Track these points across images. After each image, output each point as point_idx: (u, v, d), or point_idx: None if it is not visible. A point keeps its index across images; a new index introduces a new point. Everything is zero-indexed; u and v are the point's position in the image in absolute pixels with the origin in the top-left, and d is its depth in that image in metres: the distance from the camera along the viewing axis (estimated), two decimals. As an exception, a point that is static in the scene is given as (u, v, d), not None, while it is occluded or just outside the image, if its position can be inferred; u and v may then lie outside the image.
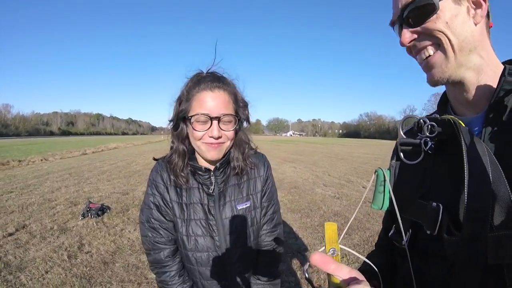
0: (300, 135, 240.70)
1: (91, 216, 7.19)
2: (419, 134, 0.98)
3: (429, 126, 0.94)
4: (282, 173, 15.10)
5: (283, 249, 1.68)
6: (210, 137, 1.39)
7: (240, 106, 1.49)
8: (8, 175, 13.80)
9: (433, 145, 0.94)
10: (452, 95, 0.97)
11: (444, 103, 1.03)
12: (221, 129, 1.39)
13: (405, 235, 0.96)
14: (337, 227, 0.78)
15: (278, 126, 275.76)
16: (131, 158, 22.08)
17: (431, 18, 0.84)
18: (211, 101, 1.36)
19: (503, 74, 0.80)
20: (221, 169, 1.54)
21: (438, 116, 0.96)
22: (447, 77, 0.87)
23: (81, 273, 4.58)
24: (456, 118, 0.88)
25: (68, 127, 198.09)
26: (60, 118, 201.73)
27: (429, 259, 0.91)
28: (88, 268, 4.75)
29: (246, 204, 1.57)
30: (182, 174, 1.51)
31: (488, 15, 0.87)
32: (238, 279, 1.56)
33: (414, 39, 0.89)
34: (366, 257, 1.13)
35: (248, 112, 1.57)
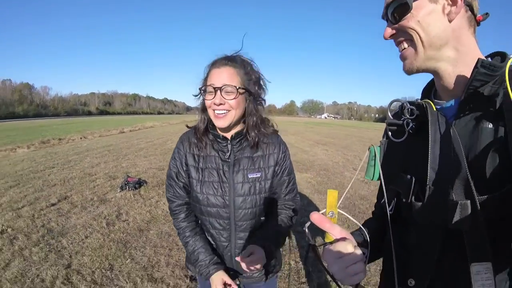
0: (335, 117, 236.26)
1: (128, 189, 7.57)
2: (402, 116, 1.09)
3: (409, 109, 1.06)
4: (313, 155, 15.18)
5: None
6: (215, 104, 1.62)
7: (250, 80, 1.71)
8: (49, 152, 14.30)
9: (414, 126, 1.05)
10: (436, 83, 1.07)
11: (429, 89, 1.14)
12: (223, 97, 1.62)
13: (390, 203, 1.09)
14: (338, 193, 1.01)
15: (312, 108, 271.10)
16: (166, 136, 22.47)
17: (406, 16, 0.94)
18: (217, 76, 1.62)
19: (476, 66, 0.86)
20: (237, 139, 1.77)
21: (420, 100, 1.09)
22: (416, 68, 0.99)
23: (118, 238, 4.93)
24: (430, 103, 1.01)
25: (106, 107, 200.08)
26: (97, 99, 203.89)
27: (407, 224, 1.03)
28: (124, 234, 5.10)
29: (256, 175, 1.78)
30: (203, 138, 1.78)
31: (472, 10, 0.95)
32: (240, 234, 1.80)
33: (393, 34, 1.01)
34: (363, 223, 1.35)
35: (260, 90, 1.79)
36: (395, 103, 1.16)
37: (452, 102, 1.00)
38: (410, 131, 1.05)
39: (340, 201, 0.98)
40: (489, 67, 0.84)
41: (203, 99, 1.72)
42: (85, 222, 5.56)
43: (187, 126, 1.93)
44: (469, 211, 0.81)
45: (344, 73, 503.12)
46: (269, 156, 1.82)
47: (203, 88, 1.69)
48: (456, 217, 0.83)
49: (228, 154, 1.77)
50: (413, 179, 0.99)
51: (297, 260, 4.37)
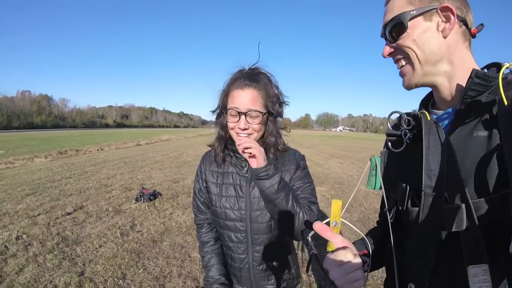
0: (350, 130, 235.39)
1: (143, 201, 7.64)
2: (400, 126, 1.11)
3: (406, 120, 1.09)
4: (327, 168, 15.10)
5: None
6: (239, 128, 1.64)
7: (271, 102, 1.70)
8: (67, 162, 14.58)
9: (411, 136, 1.07)
10: (434, 94, 1.11)
11: (427, 100, 1.18)
12: (248, 122, 1.63)
13: (390, 211, 1.13)
14: (342, 204, 1.03)
15: (327, 121, 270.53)
16: (182, 150, 22.54)
17: (402, 36, 0.99)
18: (241, 98, 1.61)
19: (470, 76, 0.88)
20: None
21: (418, 111, 1.11)
22: (415, 83, 1.03)
23: (132, 248, 4.97)
24: (425, 113, 1.05)
25: (123, 119, 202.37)
26: (115, 112, 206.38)
27: (407, 230, 1.06)
28: (138, 245, 5.14)
29: None
30: (221, 154, 1.80)
31: (467, 25, 0.98)
32: (257, 248, 1.81)
33: (391, 53, 1.06)
34: (368, 232, 1.39)
35: (281, 107, 1.78)
36: (394, 114, 1.20)
37: (448, 111, 1.03)
38: (408, 141, 1.08)
39: (343, 211, 0.99)
40: (483, 77, 0.87)
41: (224, 119, 1.71)
42: (99, 231, 5.63)
43: (209, 146, 1.93)
44: (464, 214, 0.83)
45: (359, 85, 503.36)
46: (285, 172, 1.81)
47: (225, 110, 1.68)
48: (451, 221, 0.86)
49: (246, 169, 1.79)
50: (408, 187, 1.03)
51: (309, 273, 4.35)
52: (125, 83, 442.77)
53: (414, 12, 0.97)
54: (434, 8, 0.96)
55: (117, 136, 44.15)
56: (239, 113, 1.61)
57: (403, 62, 1.03)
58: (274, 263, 1.85)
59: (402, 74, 1.06)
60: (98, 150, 20.97)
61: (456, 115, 0.97)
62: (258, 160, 1.49)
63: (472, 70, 0.88)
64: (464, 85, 0.92)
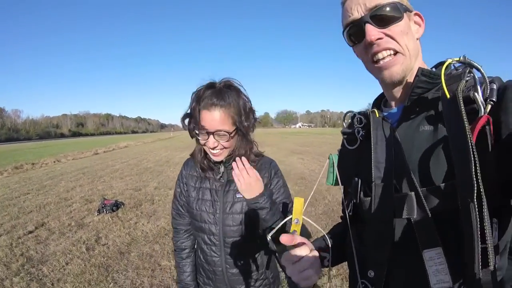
0: (309, 126, 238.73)
1: (106, 212, 7.53)
2: (354, 125, 1.17)
3: (358, 118, 1.15)
4: (289, 164, 15.27)
5: None
6: (208, 146, 1.73)
7: (239, 118, 1.75)
8: (23, 177, 14.15)
9: (363, 133, 1.13)
10: (386, 92, 1.15)
11: (379, 99, 1.24)
12: (217, 140, 1.70)
13: (349, 205, 1.17)
14: (303, 201, 1.10)
15: (286, 118, 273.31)
16: (142, 156, 22.40)
17: (396, 24, 0.97)
18: (208, 119, 1.67)
19: (416, 75, 0.93)
20: (229, 163, 1.85)
21: (368, 110, 1.16)
22: (401, 75, 1.01)
23: (99, 263, 4.89)
24: (375, 110, 1.11)
25: (78, 128, 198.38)
26: (70, 120, 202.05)
27: (364, 222, 1.08)
28: (105, 258, 5.07)
29: None
30: (202, 164, 1.88)
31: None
32: (228, 250, 1.88)
33: (380, 38, 0.99)
34: (331, 228, 1.46)
35: (251, 120, 1.84)
36: (348, 113, 1.27)
37: (397, 108, 1.09)
38: (361, 138, 1.14)
39: (305, 207, 1.05)
40: (429, 75, 0.93)
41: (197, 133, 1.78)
42: (64, 248, 5.52)
43: (190, 155, 2.02)
44: (414, 201, 0.89)
45: (316, 81, 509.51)
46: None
47: (195, 129, 1.74)
48: (402, 208, 0.91)
49: (220, 175, 1.88)
50: (359, 180, 1.09)
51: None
52: (79, 90, 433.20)
53: (404, 6, 0.99)
54: (412, 11, 1.02)
55: (74, 145, 43.19)
56: (207, 133, 1.68)
57: (391, 51, 0.99)
58: (248, 266, 1.91)
59: (390, 64, 1.00)
60: (54, 162, 20.45)
61: (403, 111, 1.03)
62: (250, 189, 1.63)
63: (418, 69, 0.94)
64: (411, 83, 0.97)
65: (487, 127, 0.77)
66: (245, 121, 1.78)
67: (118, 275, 4.54)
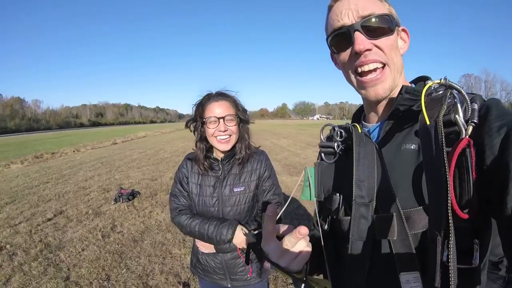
0: (327, 118, 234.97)
1: (122, 201, 7.70)
2: (334, 138, 1.15)
3: (338, 132, 1.13)
4: (304, 157, 15.16)
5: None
6: (219, 131, 1.95)
7: (240, 110, 2.06)
8: (43, 167, 14.43)
9: (343, 148, 1.12)
10: (366, 108, 1.14)
11: (359, 114, 1.22)
12: (226, 125, 1.96)
13: (325, 220, 1.14)
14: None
15: (304, 110, 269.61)
16: (159, 146, 22.61)
17: (387, 37, 0.94)
18: (218, 108, 1.96)
19: (400, 92, 0.91)
20: (226, 160, 2.10)
21: (349, 124, 1.15)
22: (387, 92, 0.98)
23: (114, 250, 5.08)
24: (357, 125, 1.08)
25: (98, 118, 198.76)
26: (89, 110, 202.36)
27: (341, 240, 1.06)
28: (120, 245, 5.25)
29: (241, 188, 2.08)
30: (204, 163, 2.08)
31: None
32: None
33: (369, 49, 0.94)
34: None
35: (247, 116, 2.12)
36: (327, 126, 1.26)
37: (378, 124, 1.07)
38: (340, 152, 1.12)
39: (281, 212, 1.13)
40: (412, 93, 0.91)
41: (202, 130, 2.04)
42: (81, 235, 5.70)
43: (190, 157, 2.21)
44: (395, 223, 0.87)
45: (335, 73, 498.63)
46: (253, 171, 2.13)
47: (203, 120, 1.99)
48: (382, 229, 0.89)
49: (220, 172, 2.09)
50: (341, 197, 1.05)
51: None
52: (98, 80, 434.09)
53: (395, 20, 0.97)
54: (400, 26, 1.01)
55: (93, 135, 43.55)
56: (218, 119, 1.93)
57: (379, 64, 0.95)
58: (244, 254, 2.05)
59: (376, 81, 0.97)
60: (74, 151, 20.72)
61: (385, 128, 1.01)
62: None
63: (402, 86, 0.91)
64: (394, 99, 0.95)
65: (467, 150, 0.73)
66: (243, 113, 2.06)
67: (131, 262, 4.70)
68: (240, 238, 1.91)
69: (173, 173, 2.14)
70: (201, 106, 2.03)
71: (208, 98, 2.03)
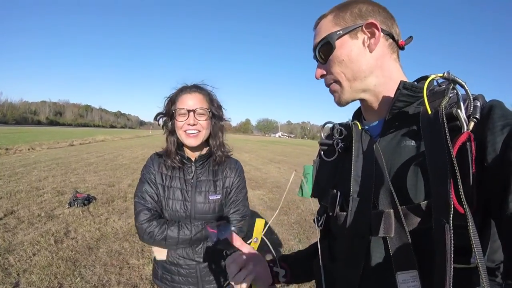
0: (288, 136, 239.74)
1: (77, 205, 7.43)
2: (333, 136, 1.16)
3: (338, 130, 1.14)
4: (266, 172, 15.43)
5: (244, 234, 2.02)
6: (188, 125, 1.83)
7: (213, 105, 1.95)
8: (-4, 162, 13.87)
9: (342, 145, 1.11)
10: (362, 107, 1.14)
11: (359, 112, 1.20)
12: (196, 119, 1.84)
13: (320, 219, 1.17)
14: (264, 222, 1.16)
15: (267, 127, 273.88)
16: (118, 152, 22.20)
17: (331, 56, 1.02)
18: (189, 99, 1.85)
19: (398, 88, 0.91)
20: (200, 161, 1.97)
21: (350, 122, 1.15)
22: (345, 100, 1.06)
23: (67, 257, 4.84)
24: (357, 123, 1.09)
25: (56, 117, 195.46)
26: (48, 108, 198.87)
27: (336, 237, 1.10)
28: (73, 252, 5.01)
29: (217, 196, 1.97)
30: (175, 159, 1.95)
31: (393, 37, 1.03)
32: (200, 250, 1.94)
33: (323, 75, 1.09)
34: (311, 245, 1.45)
35: (222, 112, 2.02)
36: (328, 124, 1.26)
37: (378, 122, 1.07)
38: (340, 150, 1.13)
39: (265, 229, 1.14)
40: (411, 89, 0.90)
41: (172, 122, 1.92)
42: (32, 238, 5.44)
43: (157, 152, 2.07)
44: (393, 220, 0.86)
45: (299, 92, 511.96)
46: (226, 178, 2.02)
47: (173, 111, 1.87)
48: (379, 226, 0.88)
49: (192, 175, 1.96)
50: (338, 192, 1.05)
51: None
52: (61, 77, 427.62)
53: (340, 32, 1.01)
54: (359, 26, 1.00)
55: (50, 134, 42.53)
56: (188, 111, 1.82)
57: (332, 81, 1.07)
58: (217, 262, 1.97)
59: (332, 92, 1.09)
60: (29, 149, 20.05)
61: (384, 125, 1.01)
62: None
63: (400, 82, 0.91)
64: (392, 96, 0.95)
65: (467, 143, 0.75)
66: (217, 109, 1.97)
67: (85, 270, 4.49)
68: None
69: (131, 180, 2.02)
70: (174, 96, 1.93)
71: (181, 90, 1.93)
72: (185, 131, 1.85)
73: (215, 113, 1.95)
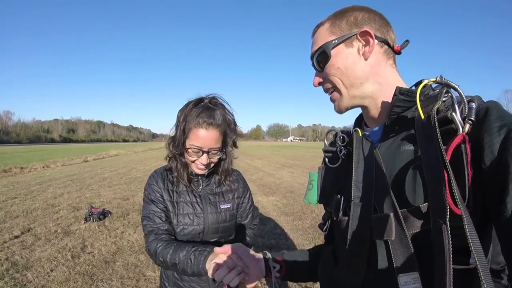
0: (300, 140, 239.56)
1: (93, 220, 7.50)
2: (336, 143, 1.18)
3: (341, 137, 1.17)
4: (279, 178, 15.43)
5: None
6: (200, 163, 1.80)
7: (228, 136, 1.87)
8: (11, 181, 14.07)
9: (345, 152, 1.13)
10: (364, 114, 1.16)
11: (361, 119, 1.22)
12: (209, 158, 1.80)
13: (325, 224, 1.21)
14: None
15: (278, 132, 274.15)
16: (131, 165, 22.38)
17: (327, 64, 1.06)
18: (204, 138, 1.73)
19: (395, 94, 0.92)
20: (207, 176, 1.97)
21: (351, 129, 1.16)
22: (344, 107, 1.09)
23: (84, 271, 4.88)
24: (358, 130, 1.10)
25: (69, 134, 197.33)
26: (61, 125, 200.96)
27: (340, 241, 1.09)
28: (90, 267, 5.05)
29: (227, 205, 1.99)
30: (184, 178, 1.91)
31: (388, 44, 1.05)
32: None
33: (321, 82, 1.13)
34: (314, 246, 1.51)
35: (236, 136, 1.95)
36: (331, 132, 1.30)
37: (378, 127, 1.09)
38: (343, 156, 1.14)
39: None
40: (407, 94, 0.92)
41: (183, 149, 1.81)
42: (49, 255, 5.49)
43: (161, 169, 2.03)
44: (393, 223, 0.86)
45: (309, 95, 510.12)
46: (234, 190, 2.05)
47: (185, 148, 1.78)
48: (380, 229, 0.89)
49: (200, 188, 1.96)
50: (342, 198, 1.07)
51: (263, 281, 4.46)
52: (72, 95, 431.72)
53: (336, 41, 1.04)
54: (354, 34, 1.03)
55: (64, 151, 42.99)
56: (202, 151, 1.75)
57: (331, 89, 1.10)
58: None
59: (332, 100, 1.12)
60: (44, 167, 20.34)
61: (384, 130, 1.02)
62: None
63: (396, 88, 0.92)
64: (390, 102, 0.97)
65: (462, 145, 0.76)
66: (232, 135, 1.89)
67: (102, 284, 4.52)
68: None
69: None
70: (186, 121, 1.76)
71: (197, 115, 1.73)
72: (196, 164, 1.82)
73: (228, 143, 1.90)
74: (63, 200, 10.01)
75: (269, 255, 1.35)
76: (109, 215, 8.13)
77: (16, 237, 6.39)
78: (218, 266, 1.22)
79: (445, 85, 0.88)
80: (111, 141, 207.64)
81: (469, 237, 0.67)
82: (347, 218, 1.01)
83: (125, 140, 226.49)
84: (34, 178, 15.17)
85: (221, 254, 1.28)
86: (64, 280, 4.57)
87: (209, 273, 1.24)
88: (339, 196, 1.09)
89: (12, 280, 4.54)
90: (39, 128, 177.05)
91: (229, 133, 1.87)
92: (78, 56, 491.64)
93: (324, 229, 1.20)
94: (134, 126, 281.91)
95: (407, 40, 1.09)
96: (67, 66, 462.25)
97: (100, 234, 6.65)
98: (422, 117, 0.85)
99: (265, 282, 4.49)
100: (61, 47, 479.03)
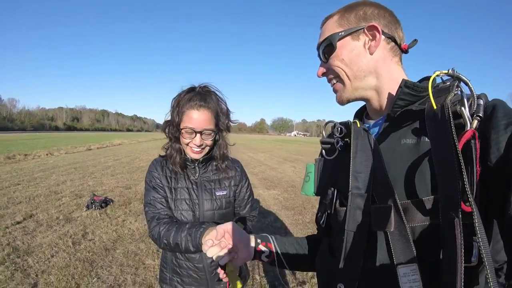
0: (304, 135, 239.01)
1: (95, 208, 7.54)
2: (334, 135, 1.17)
3: (338, 128, 1.14)
4: (281, 172, 15.43)
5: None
6: (194, 144, 1.85)
7: (220, 119, 1.92)
8: (15, 168, 14.10)
9: (342, 144, 1.12)
10: (367, 107, 1.17)
11: (361, 111, 1.24)
12: (202, 139, 1.85)
13: (322, 217, 1.18)
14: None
15: (282, 126, 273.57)
16: (135, 155, 22.41)
17: (332, 55, 1.07)
18: (196, 118, 1.81)
19: (400, 86, 0.92)
20: (203, 163, 1.99)
21: (351, 120, 1.15)
22: (346, 99, 1.11)
23: (84, 258, 4.93)
24: (357, 121, 1.08)
25: (73, 122, 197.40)
26: (65, 114, 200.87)
27: (337, 233, 1.09)
28: (90, 254, 5.10)
29: (223, 192, 2.02)
30: (178, 163, 1.95)
31: (396, 41, 1.05)
32: None
33: (324, 73, 1.14)
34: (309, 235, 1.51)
35: (229, 121, 2.01)
36: (329, 123, 1.27)
37: (379, 120, 1.10)
38: (340, 148, 1.13)
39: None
40: (413, 87, 0.92)
41: (177, 134, 1.89)
42: (50, 241, 5.54)
43: (160, 156, 2.09)
44: (392, 214, 0.85)
45: (314, 90, 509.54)
46: (231, 178, 2.07)
47: (179, 128, 1.85)
48: (379, 220, 0.89)
49: (197, 175, 2.00)
50: (335, 190, 1.09)
51: (261, 274, 4.49)
52: (77, 84, 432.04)
53: (343, 33, 1.05)
54: (361, 28, 1.04)
55: (67, 140, 42.98)
56: (195, 132, 1.80)
57: (334, 80, 1.12)
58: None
59: (334, 91, 1.14)
60: (47, 154, 20.37)
61: (385, 122, 1.03)
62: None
63: (402, 80, 0.93)
64: (394, 95, 0.98)
65: (472, 141, 0.75)
66: (224, 120, 1.95)
67: (102, 271, 4.57)
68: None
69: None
70: (180, 106, 1.86)
71: (190, 99, 1.84)
72: (190, 146, 1.87)
73: (222, 127, 1.96)
74: (66, 188, 10.06)
75: (259, 240, 1.36)
76: (111, 203, 8.18)
77: (18, 222, 6.44)
78: (211, 243, 1.25)
79: (457, 78, 0.88)
80: (115, 130, 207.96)
81: (478, 234, 0.68)
82: (344, 208, 1.01)
83: (129, 130, 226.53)
84: (37, 165, 15.21)
85: (218, 231, 1.32)
86: (64, 266, 4.61)
87: (203, 248, 1.27)
88: (332, 188, 1.11)
89: (13, 265, 4.59)
90: (43, 116, 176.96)
91: (221, 116, 1.92)
92: (85, 46, 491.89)
93: (321, 221, 1.18)
94: (138, 116, 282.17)
95: (415, 40, 1.09)
96: (74, 55, 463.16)
97: (101, 222, 6.70)
98: (435, 107, 0.84)
99: (263, 274, 4.54)
100: (69, 37, 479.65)
